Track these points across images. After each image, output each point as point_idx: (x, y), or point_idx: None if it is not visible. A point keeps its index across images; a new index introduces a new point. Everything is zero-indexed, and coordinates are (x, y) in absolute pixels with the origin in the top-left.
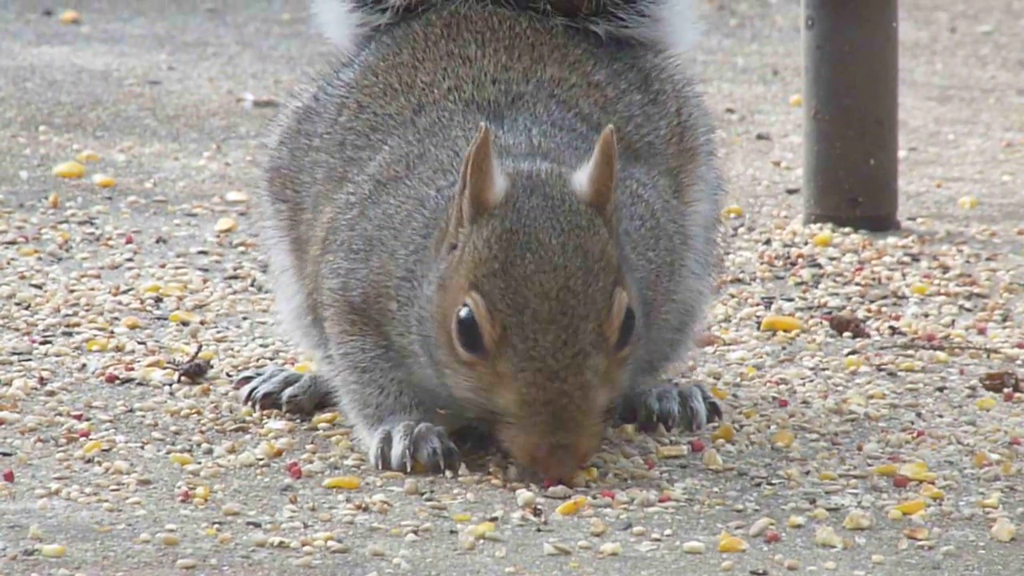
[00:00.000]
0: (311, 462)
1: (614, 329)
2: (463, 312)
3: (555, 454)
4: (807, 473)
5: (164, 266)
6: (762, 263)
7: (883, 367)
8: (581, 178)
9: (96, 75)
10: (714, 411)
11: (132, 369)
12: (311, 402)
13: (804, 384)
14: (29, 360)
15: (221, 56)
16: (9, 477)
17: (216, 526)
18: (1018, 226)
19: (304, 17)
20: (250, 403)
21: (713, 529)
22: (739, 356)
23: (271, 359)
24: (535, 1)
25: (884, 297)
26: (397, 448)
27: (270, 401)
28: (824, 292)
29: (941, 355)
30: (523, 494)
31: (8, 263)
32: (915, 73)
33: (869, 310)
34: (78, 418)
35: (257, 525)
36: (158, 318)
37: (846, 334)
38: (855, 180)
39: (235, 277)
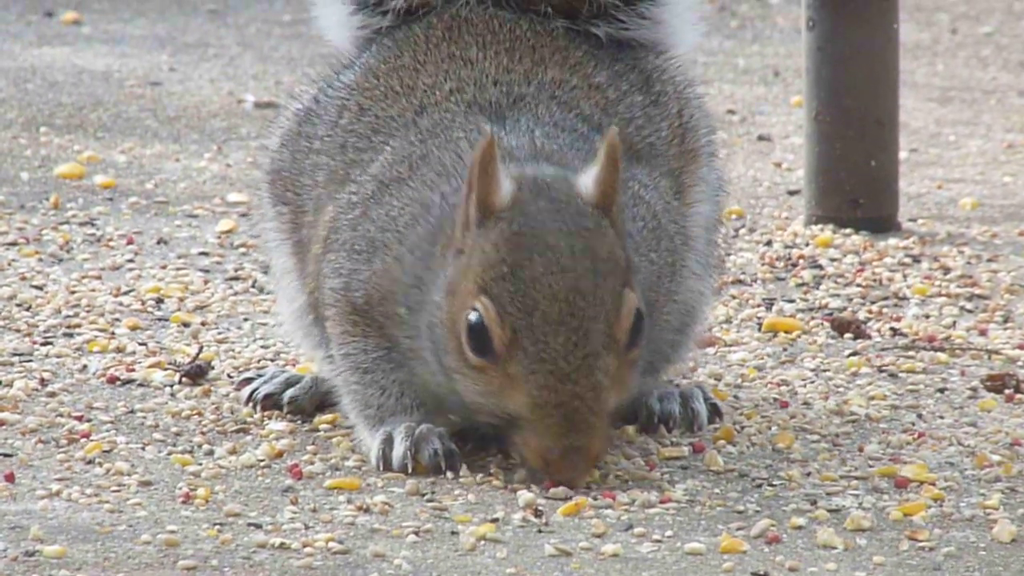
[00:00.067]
0: (312, 463)
1: (624, 330)
2: (472, 316)
3: (568, 457)
4: (808, 474)
5: (165, 267)
6: (763, 264)
7: (884, 368)
8: (586, 180)
9: (97, 76)
10: (715, 412)
11: (133, 370)
12: (312, 403)
13: (805, 385)
14: (30, 361)
15: (222, 57)
16: (10, 478)
17: (217, 527)
18: (1019, 227)
19: (305, 18)
20: (251, 404)
21: (714, 530)
22: (740, 357)
23: (272, 360)
24: (536, 4)
25: (885, 298)
26: (398, 449)
27: (271, 402)
28: (825, 293)
29: (942, 356)
30: (524, 495)
31: (9, 264)
32: (916, 74)
33: (870, 311)
34: (79, 419)
35: (258, 526)
36: (159, 319)
37: (847, 335)
38: (856, 181)
39: (236, 278)
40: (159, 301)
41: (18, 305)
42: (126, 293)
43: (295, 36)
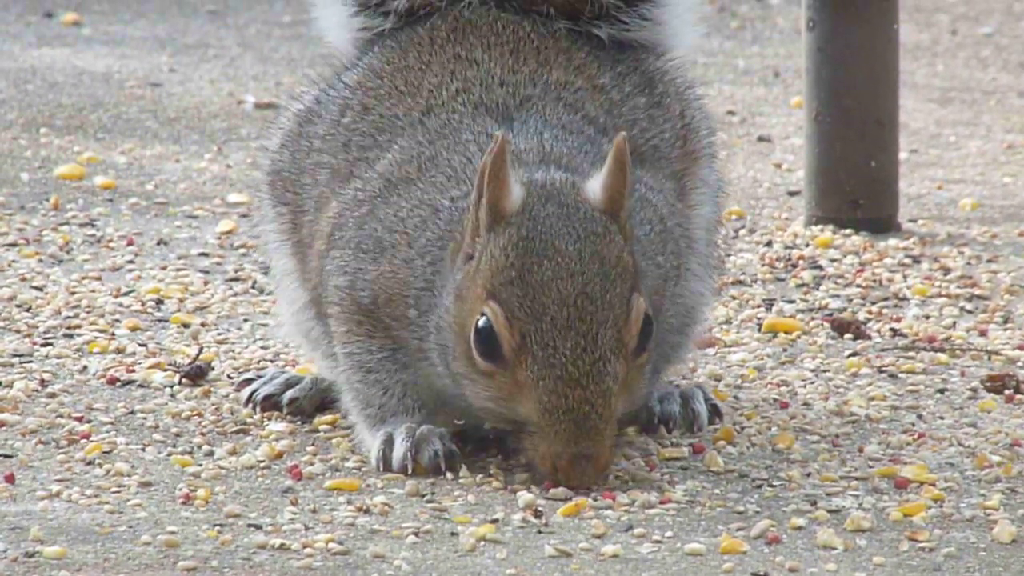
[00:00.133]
0: (312, 464)
1: (632, 335)
2: (481, 321)
3: (577, 464)
4: (808, 475)
5: (165, 268)
6: (763, 265)
7: (884, 369)
8: (595, 186)
9: (97, 77)
10: (715, 413)
11: (133, 371)
12: (312, 404)
13: (805, 386)
14: (30, 362)
15: (222, 58)
16: (10, 479)
17: (217, 528)
18: (1019, 228)
19: (305, 19)
20: (251, 405)
21: (714, 531)
22: (740, 358)
23: (272, 361)
24: (538, 5)
25: (885, 299)
26: (399, 450)
27: (271, 403)
28: (825, 294)
29: (942, 357)
30: (524, 496)
31: (9, 265)
32: (916, 75)
33: (870, 312)
34: (79, 420)
35: (258, 527)
36: (159, 320)
37: (847, 336)
38: (856, 182)
39: (236, 279)
40: (159, 302)
41: (18, 306)
42: (126, 294)
43: (295, 37)
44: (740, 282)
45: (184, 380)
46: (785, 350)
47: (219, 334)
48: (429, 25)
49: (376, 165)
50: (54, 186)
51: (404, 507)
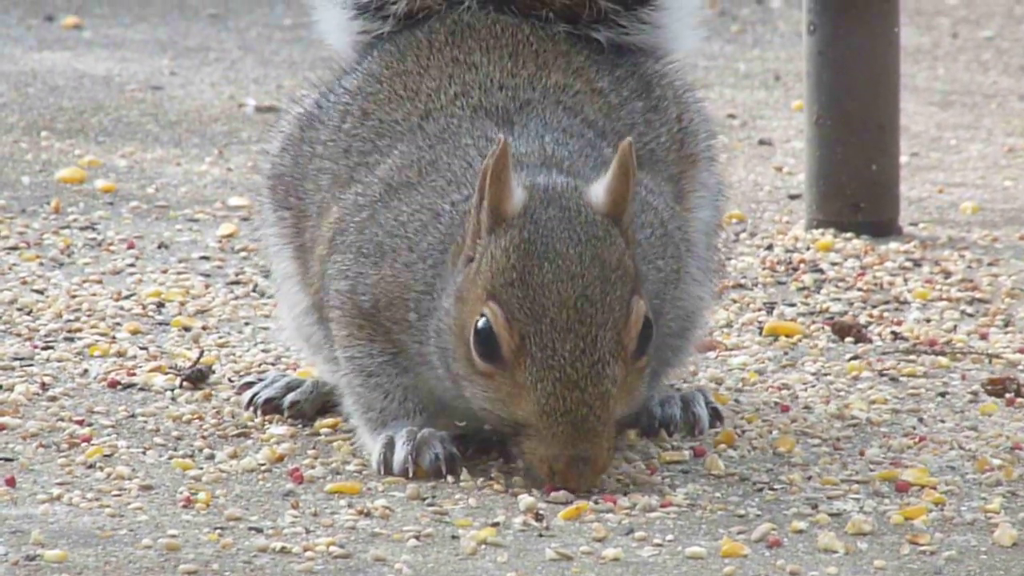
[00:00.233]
0: (313, 467)
1: (632, 338)
2: (480, 322)
3: (575, 466)
4: (809, 478)
5: (166, 271)
6: (764, 268)
7: (885, 372)
8: (598, 189)
9: (98, 80)
10: (716, 416)
11: (134, 374)
12: (313, 407)
13: (806, 389)
14: (31, 365)
15: (223, 61)
16: (11, 483)
17: (218, 531)
18: (1020, 231)
19: (306, 22)
20: (252, 408)
21: (715, 534)
22: (741, 361)
23: (273, 364)
24: (537, 8)
25: (886, 302)
26: (400, 453)
27: (272, 406)
28: (826, 297)
29: (943, 360)
30: (525, 499)
31: (10, 268)
32: (917, 78)
33: (871, 315)
34: (80, 423)
35: (259, 530)
36: (160, 323)
37: (848, 339)
38: (857, 185)
39: (237, 282)
40: (160, 305)
41: (19, 309)
42: (127, 297)
43: (296, 40)
44: (741, 285)
45: (185, 383)
46: (786, 353)
47: (220, 337)
48: (427, 29)
49: (377, 170)
50: (55, 189)
51: (405, 510)
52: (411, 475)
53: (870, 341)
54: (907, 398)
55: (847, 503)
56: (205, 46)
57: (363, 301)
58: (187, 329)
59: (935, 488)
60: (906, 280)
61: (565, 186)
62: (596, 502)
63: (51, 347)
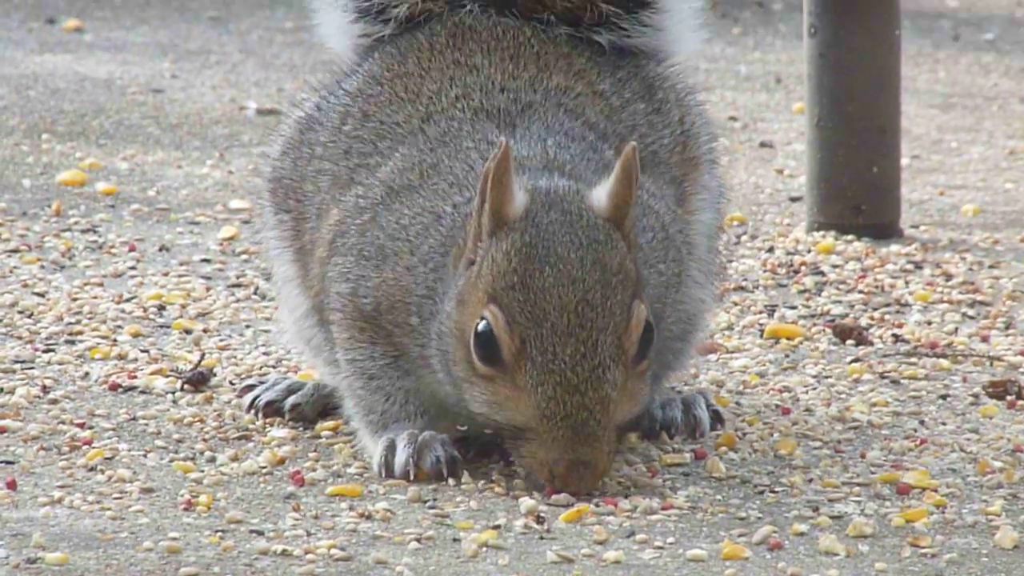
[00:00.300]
0: (314, 470)
1: (633, 342)
2: (481, 325)
3: (575, 471)
4: (810, 481)
5: (167, 274)
6: (765, 271)
7: (886, 375)
8: (600, 194)
9: (99, 83)
10: (717, 419)
11: (135, 377)
12: (314, 410)
13: (807, 392)
14: (32, 368)
15: (224, 64)
16: (12, 485)
17: (219, 534)
18: (1021, 234)
19: (307, 25)
20: (253, 411)
21: (716, 537)
22: (742, 364)
23: (274, 367)
24: (539, 11)
25: (887, 305)
26: (401, 456)
27: (273, 409)
28: (827, 300)
29: (944, 363)
30: (526, 502)
31: (11, 271)
32: (918, 81)
33: (872, 318)
34: (81, 426)
35: (260, 533)
36: (161, 326)
37: (849, 342)
38: (858, 188)
39: (238, 285)
40: (161, 308)
41: (20, 312)
42: (128, 300)
43: (297, 43)
44: (742, 288)
45: (186, 386)
46: (787, 356)
47: (221, 340)
48: (429, 31)
49: (378, 172)
50: (56, 192)
51: (406, 513)
52: (412, 478)
53: (871, 344)
54: (908, 400)
55: (848, 506)
56: (206, 49)
57: (364, 304)
58: (188, 332)
59: (936, 491)
60: (907, 282)
61: (567, 190)
62: (597, 505)
63: (52, 350)
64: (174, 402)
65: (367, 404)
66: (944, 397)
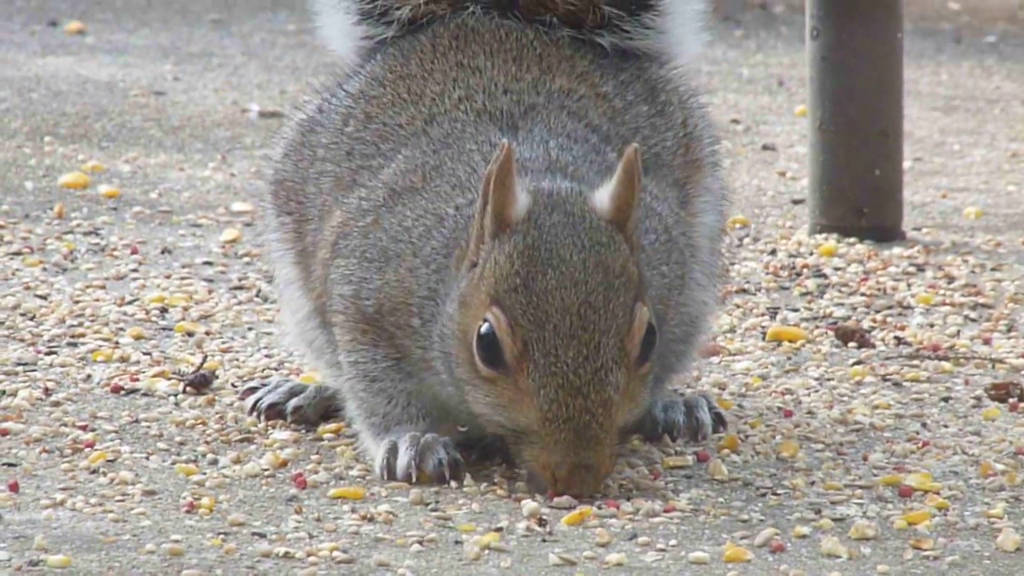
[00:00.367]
0: (316, 472)
1: (635, 345)
2: (484, 327)
3: (576, 473)
4: (812, 483)
5: (169, 277)
6: (767, 273)
7: (888, 377)
8: (603, 196)
9: (101, 86)
10: (719, 421)
11: (137, 380)
12: (316, 413)
13: (809, 394)
14: (34, 371)
15: (226, 67)
16: (14, 488)
17: (221, 536)
18: (1023, 236)
19: (310, 28)
20: (255, 414)
21: (718, 539)
22: (744, 366)
23: (276, 370)
24: (542, 13)
25: (889, 307)
26: (403, 459)
27: (275, 412)
28: (829, 302)
29: (946, 365)
30: (528, 504)
31: (13, 274)
32: (920, 83)
33: (874, 320)
34: (83, 429)
35: (262, 535)
36: (163, 329)
37: (851, 344)
38: (860, 190)
39: (240, 287)
40: (163, 311)
41: (22, 315)
42: (130, 303)
43: (299, 45)
44: (744, 291)
45: (188, 389)
46: (789, 358)
47: (223, 343)
48: (431, 33)
49: (380, 174)
50: (58, 195)
51: (408, 515)
52: (414, 480)
53: (873, 346)
54: (910, 403)
55: (850, 508)
56: (208, 51)
57: (367, 306)
58: (190, 334)
59: (938, 493)
60: (909, 285)
61: (569, 191)
62: (599, 507)
63: (54, 352)
64: (176, 404)
65: (369, 406)
66: (946, 400)
